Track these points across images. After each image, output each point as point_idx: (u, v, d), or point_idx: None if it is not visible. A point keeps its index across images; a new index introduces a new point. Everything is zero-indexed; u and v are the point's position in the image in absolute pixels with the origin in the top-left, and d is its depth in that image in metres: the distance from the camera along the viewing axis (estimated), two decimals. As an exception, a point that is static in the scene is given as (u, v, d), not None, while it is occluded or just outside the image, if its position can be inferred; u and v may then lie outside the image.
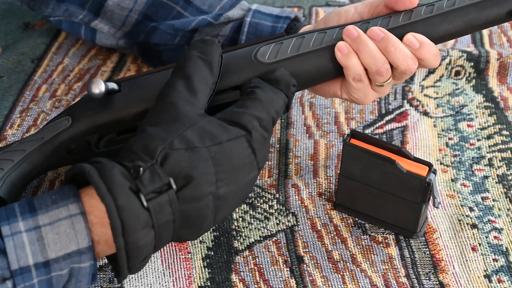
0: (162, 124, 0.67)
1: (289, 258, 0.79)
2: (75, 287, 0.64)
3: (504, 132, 0.93)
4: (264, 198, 0.84)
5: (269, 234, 0.81)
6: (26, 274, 0.61)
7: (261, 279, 0.77)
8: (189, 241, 0.79)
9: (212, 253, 0.79)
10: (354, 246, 0.80)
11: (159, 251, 0.78)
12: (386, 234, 0.81)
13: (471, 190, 0.86)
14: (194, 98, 0.70)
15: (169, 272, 0.77)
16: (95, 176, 0.62)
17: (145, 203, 0.62)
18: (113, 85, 0.78)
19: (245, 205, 0.84)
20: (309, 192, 0.85)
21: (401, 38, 0.77)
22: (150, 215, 0.63)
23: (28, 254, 0.60)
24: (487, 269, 0.78)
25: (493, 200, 0.85)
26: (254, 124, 0.69)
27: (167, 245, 0.79)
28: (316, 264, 0.78)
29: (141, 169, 0.63)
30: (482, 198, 0.85)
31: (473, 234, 0.81)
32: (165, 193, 0.63)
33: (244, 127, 0.68)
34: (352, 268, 0.78)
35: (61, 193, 0.63)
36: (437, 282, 0.76)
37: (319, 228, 0.82)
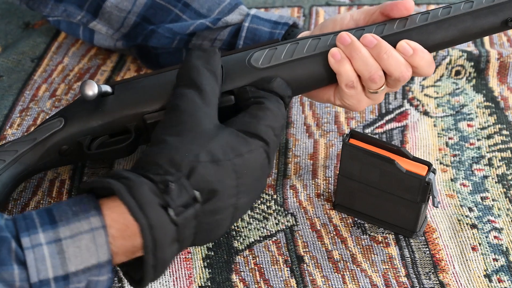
0: (184, 136, 0.67)
1: (289, 258, 0.79)
2: None
3: (504, 132, 0.93)
4: (262, 199, 0.84)
5: (269, 234, 0.81)
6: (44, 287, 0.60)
7: (261, 279, 0.77)
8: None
9: (212, 253, 0.79)
10: (354, 246, 0.80)
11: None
12: (386, 233, 0.81)
13: (470, 190, 0.86)
14: (209, 110, 0.70)
15: (169, 271, 0.77)
16: (125, 194, 0.61)
17: (174, 218, 0.62)
18: (106, 87, 0.78)
19: (244, 205, 0.84)
20: (307, 194, 0.85)
21: (395, 46, 0.77)
22: (177, 230, 0.63)
23: (48, 268, 0.60)
24: (487, 268, 0.78)
25: (493, 200, 0.85)
26: (270, 134, 0.70)
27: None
28: (316, 264, 0.78)
29: (170, 184, 0.62)
30: (481, 198, 0.85)
31: (473, 234, 0.81)
32: (192, 207, 0.63)
33: (263, 138, 0.69)
34: (352, 268, 0.78)
35: (81, 204, 0.62)
36: (437, 282, 0.76)
37: (319, 228, 0.81)
